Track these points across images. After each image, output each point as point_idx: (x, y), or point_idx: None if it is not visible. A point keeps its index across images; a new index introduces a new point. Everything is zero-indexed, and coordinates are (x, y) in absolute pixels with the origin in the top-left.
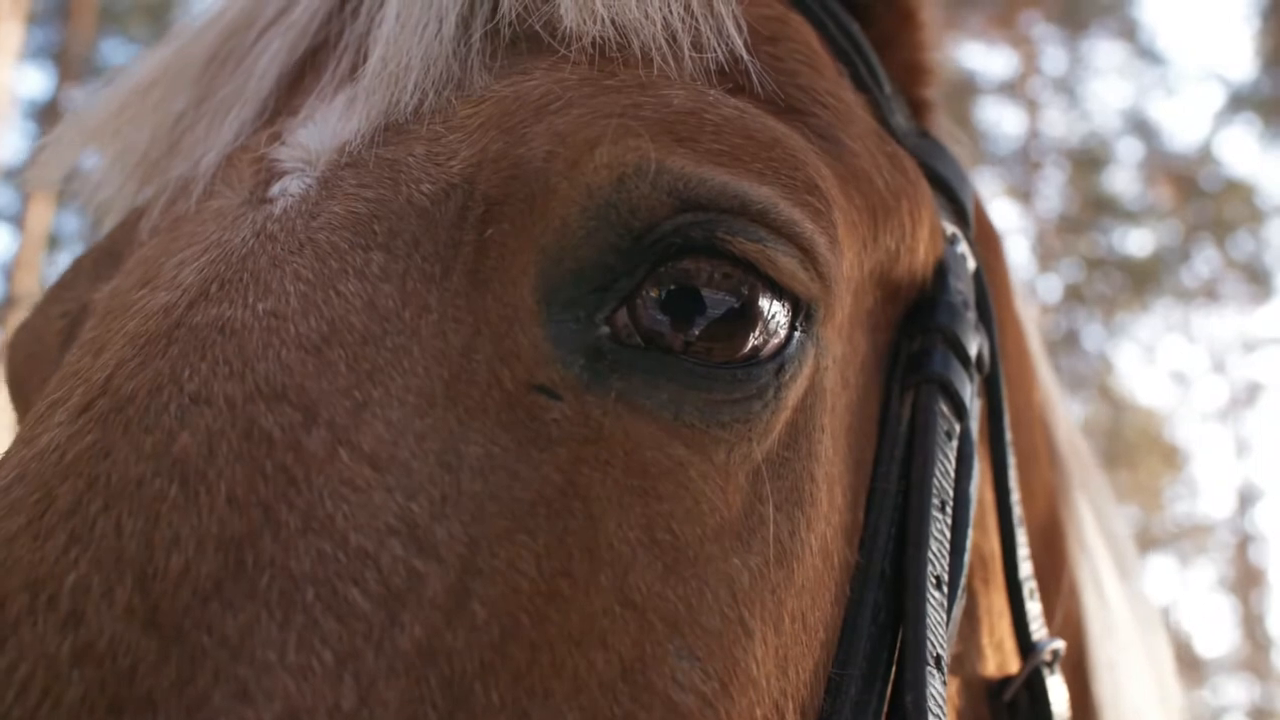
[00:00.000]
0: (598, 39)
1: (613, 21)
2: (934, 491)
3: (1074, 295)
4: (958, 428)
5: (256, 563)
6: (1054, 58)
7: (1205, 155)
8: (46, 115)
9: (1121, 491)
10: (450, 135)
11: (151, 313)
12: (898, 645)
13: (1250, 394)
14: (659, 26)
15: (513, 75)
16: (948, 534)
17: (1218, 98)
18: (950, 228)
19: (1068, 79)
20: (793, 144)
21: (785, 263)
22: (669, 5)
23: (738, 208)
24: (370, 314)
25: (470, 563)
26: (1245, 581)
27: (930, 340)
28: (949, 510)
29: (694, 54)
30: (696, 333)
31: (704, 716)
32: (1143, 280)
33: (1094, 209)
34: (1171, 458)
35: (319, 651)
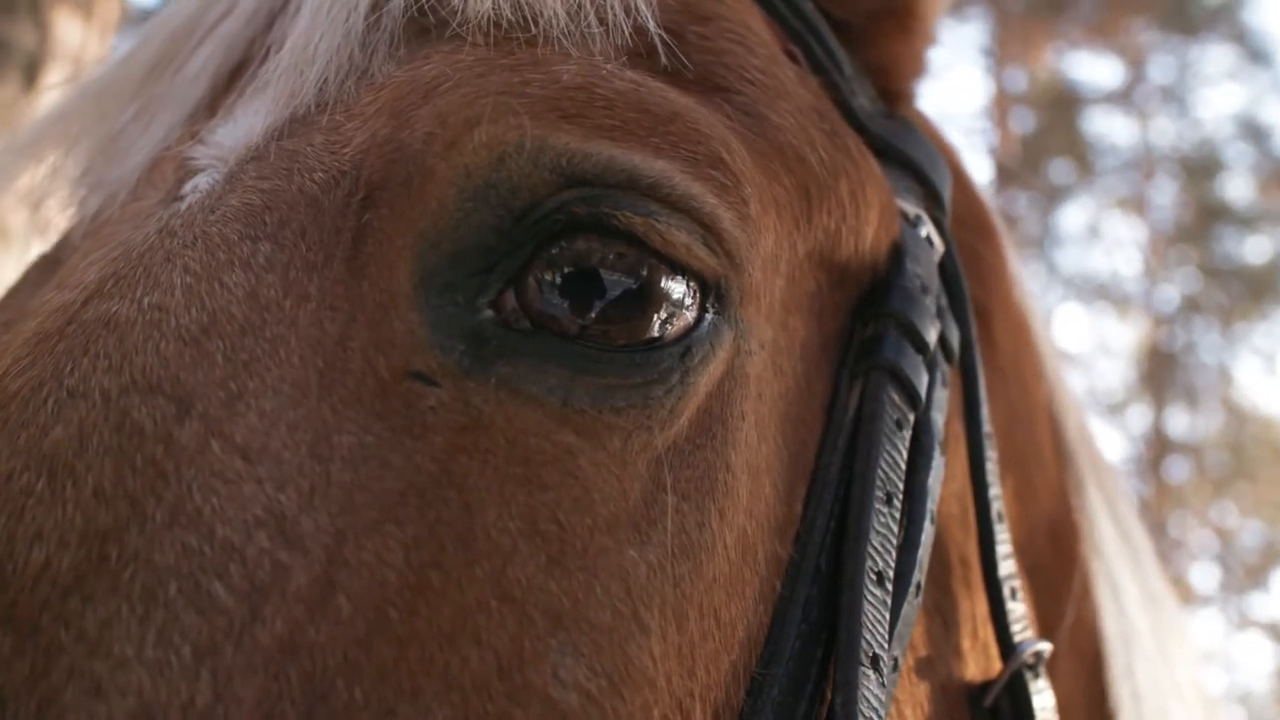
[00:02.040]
0: (498, 20)
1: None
2: (878, 483)
3: (1191, 306)
4: (911, 417)
5: (120, 557)
6: (1162, 65)
7: None
8: None
9: (1244, 505)
10: (348, 124)
11: (50, 312)
12: (833, 643)
13: None
14: (559, 3)
15: (414, 60)
16: (894, 528)
17: None
18: (914, 210)
19: (1176, 86)
20: (694, 116)
21: (680, 238)
22: None
23: (626, 182)
24: (251, 304)
25: (336, 555)
26: None
27: (882, 326)
28: (896, 503)
29: (599, 29)
30: (593, 315)
31: (588, 715)
32: (1261, 288)
33: (1208, 217)
34: None
35: (177, 646)
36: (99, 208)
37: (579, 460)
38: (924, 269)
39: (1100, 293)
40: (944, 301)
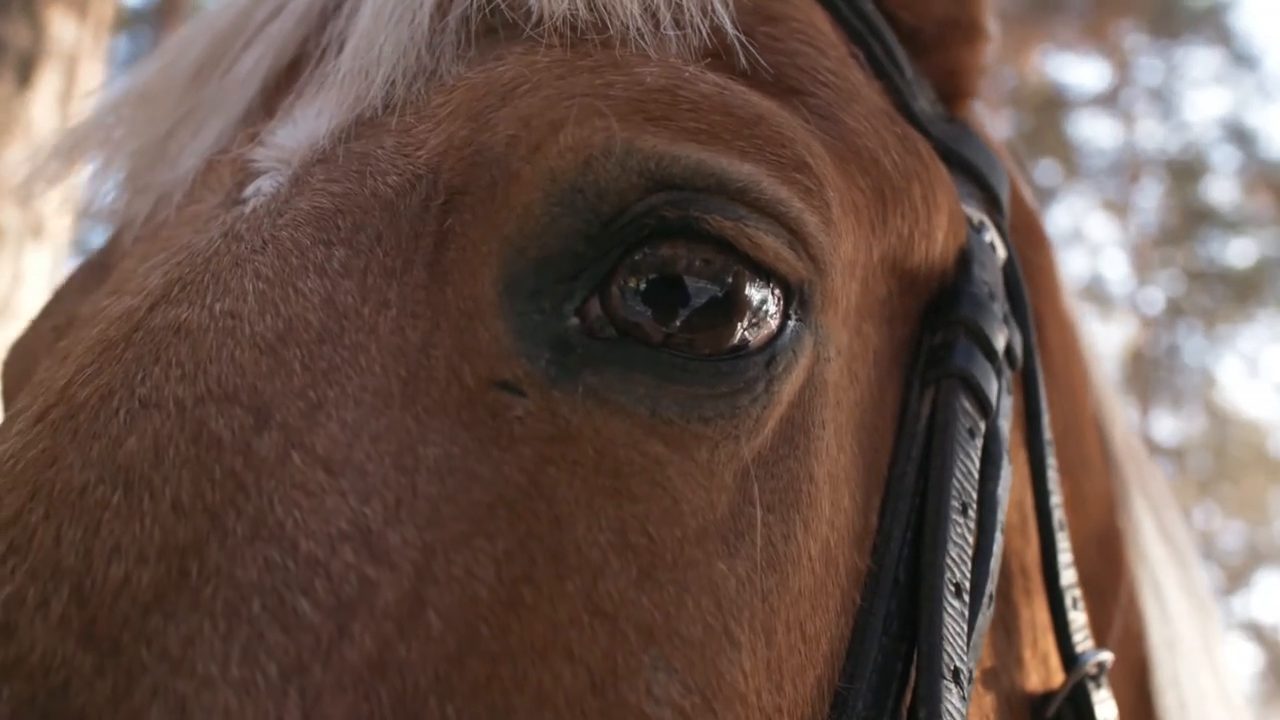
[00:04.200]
0: (573, 21)
1: (586, 1)
2: (954, 493)
3: (1175, 308)
4: (982, 425)
5: (201, 572)
6: (1148, 68)
7: None
8: None
9: (1227, 506)
10: (420, 125)
11: (114, 318)
12: (912, 657)
13: None
14: (636, 4)
15: (486, 62)
16: (970, 539)
17: None
18: (978, 215)
19: (1163, 89)
20: (779, 120)
21: (769, 242)
22: None
23: (715, 185)
24: (328, 311)
25: (425, 570)
26: None
27: (952, 333)
28: (971, 513)
29: (676, 32)
30: (679, 323)
31: None
32: (1245, 291)
33: (1193, 220)
34: (1277, 472)
35: (263, 665)
36: (150, 211)
37: (667, 471)
38: (990, 275)
39: (1085, 294)
40: (1007, 308)
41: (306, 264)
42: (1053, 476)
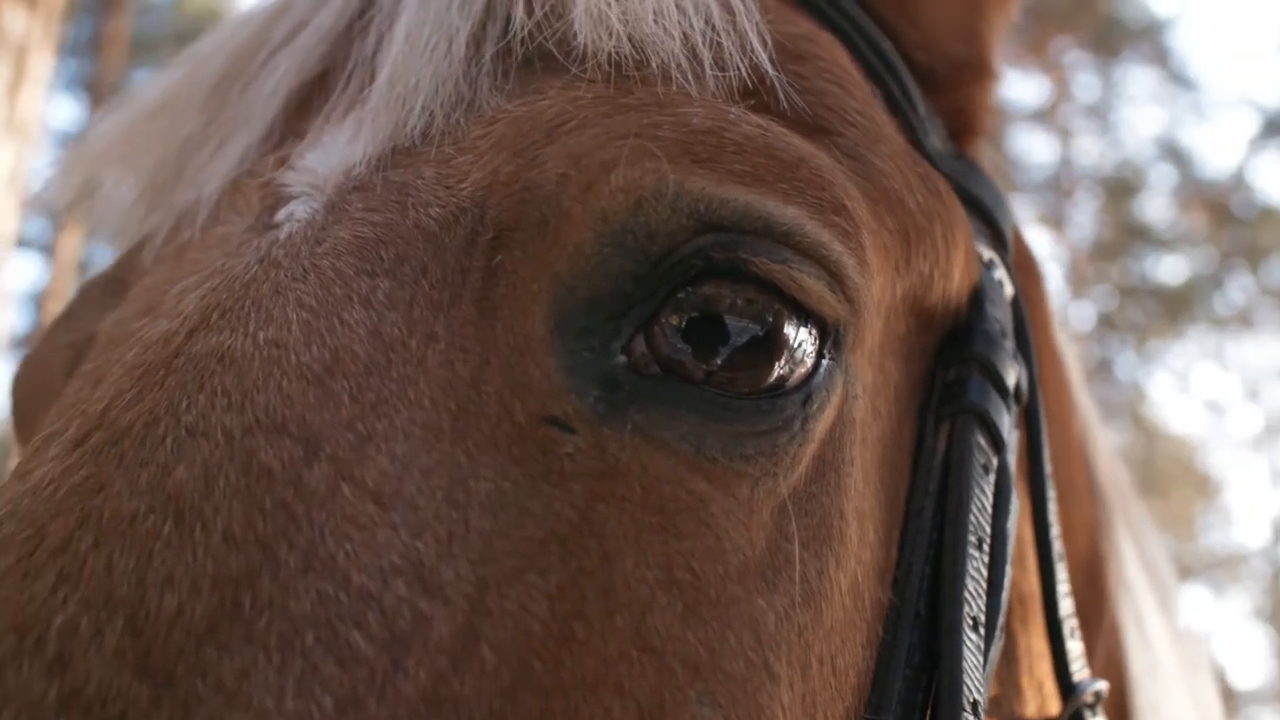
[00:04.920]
0: (614, 56)
1: (629, 37)
2: (970, 528)
3: (1107, 323)
4: (995, 461)
5: (254, 604)
6: (1086, 84)
7: (1239, 181)
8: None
9: (1155, 521)
10: (460, 157)
11: (151, 342)
12: (933, 690)
13: None
14: (678, 42)
15: (526, 95)
16: (984, 573)
17: (1252, 124)
18: (987, 253)
19: (1100, 106)
20: (818, 163)
21: (812, 285)
22: (688, 19)
23: (762, 228)
24: (375, 343)
25: (479, 604)
26: (1279, 612)
27: (966, 369)
28: (986, 548)
29: (716, 71)
30: (719, 361)
31: None
32: (1176, 307)
33: (1127, 236)
34: (1204, 487)
35: (319, 698)
36: (170, 230)
37: (711, 508)
38: (1001, 312)
39: None
40: (1014, 344)
41: (351, 294)
42: (1052, 509)
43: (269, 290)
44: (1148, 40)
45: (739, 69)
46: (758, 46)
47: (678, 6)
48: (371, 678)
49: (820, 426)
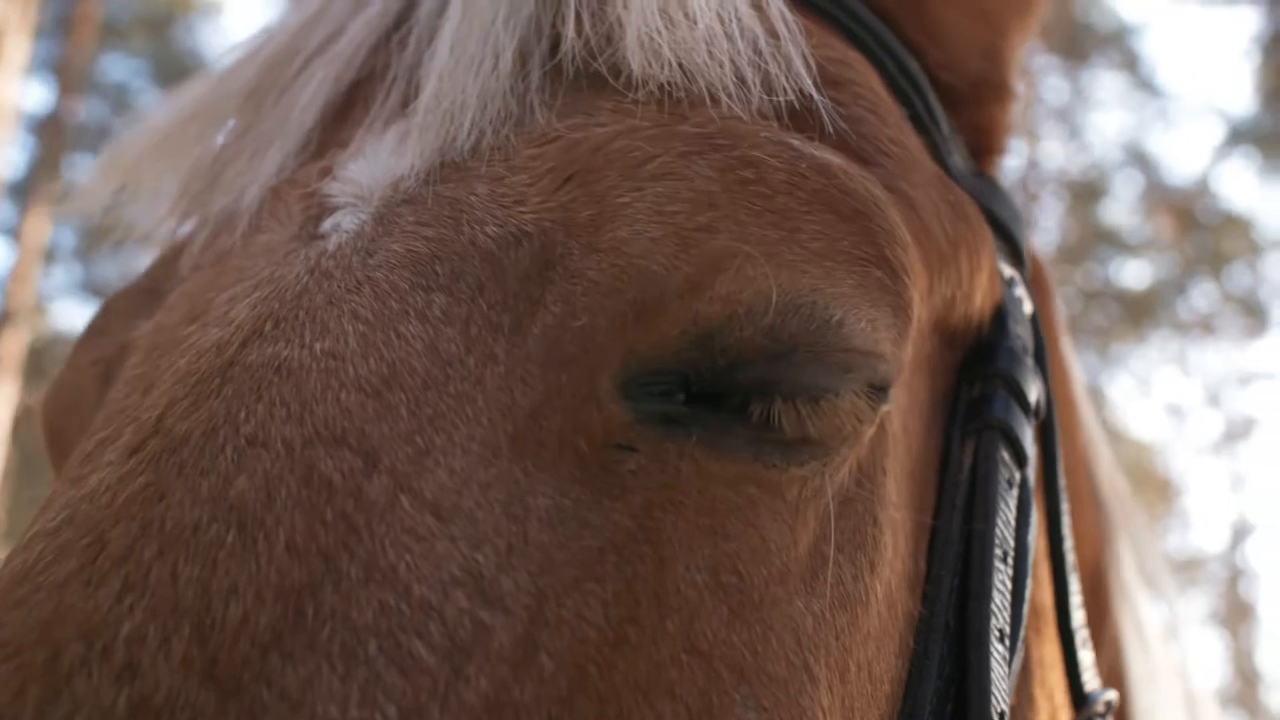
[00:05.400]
0: (665, 83)
1: (680, 65)
2: (996, 542)
3: (1070, 326)
4: (1018, 476)
5: (317, 613)
6: (1054, 88)
7: (1204, 188)
8: (47, 129)
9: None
10: (514, 176)
11: (203, 350)
12: (962, 701)
13: (1244, 428)
14: (727, 69)
15: (576, 115)
16: (1009, 585)
17: (1217, 131)
18: (1008, 270)
19: (1068, 110)
20: (871, 211)
21: (855, 403)
22: (736, 47)
23: (817, 336)
24: (432, 358)
25: (537, 614)
26: (1236, 616)
27: (990, 386)
28: (1010, 561)
29: (764, 95)
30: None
31: None
32: (1139, 312)
33: (1092, 240)
34: (1165, 491)
35: (383, 706)
36: (207, 237)
37: (759, 510)
38: (1022, 329)
39: None
40: (1033, 359)
41: (407, 308)
42: (1066, 521)
43: (323, 301)
44: (1116, 46)
45: (786, 93)
46: (803, 72)
47: (726, 33)
48: (434, 686)
49: (866, 434)
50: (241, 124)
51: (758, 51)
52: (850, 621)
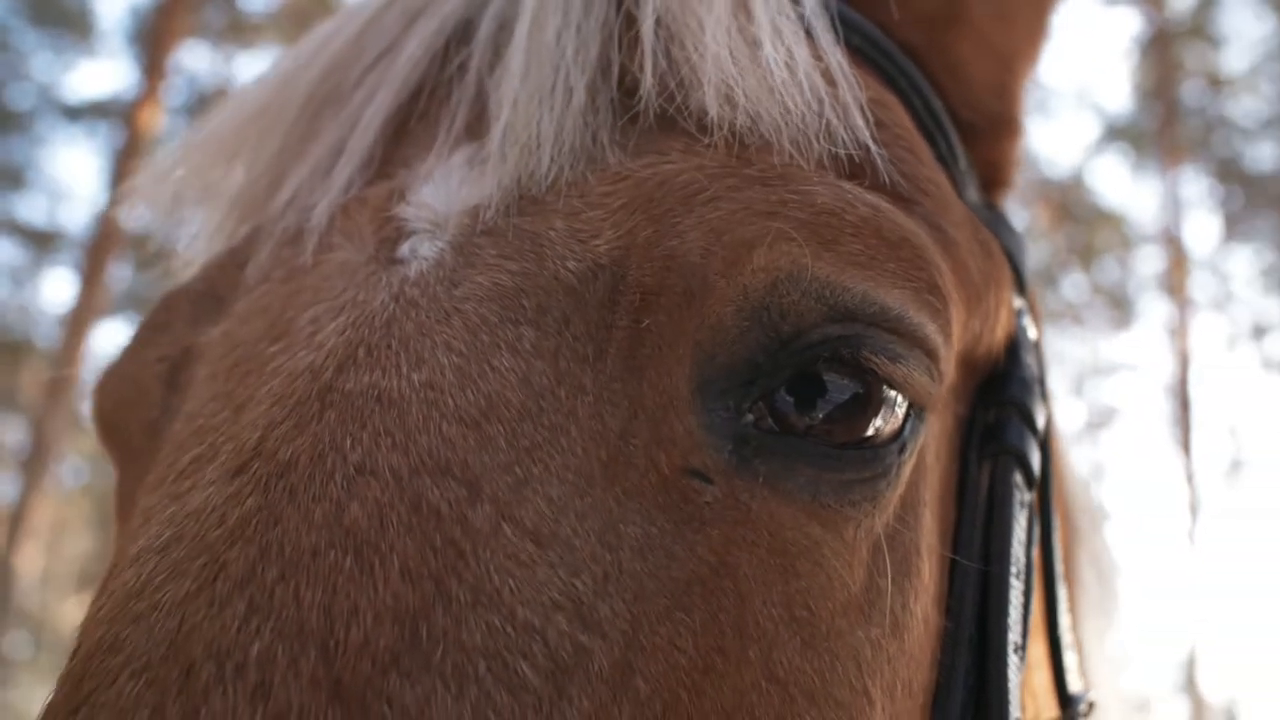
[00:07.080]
0: (736, 127)
1: (750, 113)
2: (1012, 560)
3: None
4: (1028, 497)
5: (430, 635)
6: None
7: (1078, 182)
8: None
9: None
10: (589, 212)
11: (296, 373)
12: (983, 708)
13: (1105, 417)
14: (795, 117)
15: (648, 155)
16: (1021, 600)
17: (1093, 128)
18: (1018, 301)
19: None
20: (919, 243)
21: (919, 379)
22: (802, 96)
23: (877, 316)
24: (526, 390)
25: (633, 639)
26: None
27: (1005, 413)
28: (1022, 578)
29: (823, 144)
30: (820, 416)
31: None
32: None
33: None
34: None
35: None
36: (275, 248)
37: (823, 550)
38: (1032, 358)
39: None
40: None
41: (498, 341)
42: (1057, 535)
43: (413, 330)
44: None
45: (844, 143)
46: (860, 123)
47: (795, 82)
48: (539, 705)
49: (908, 470)
50: (300, 131)
51: (820, 100)
52: (899, 646)
